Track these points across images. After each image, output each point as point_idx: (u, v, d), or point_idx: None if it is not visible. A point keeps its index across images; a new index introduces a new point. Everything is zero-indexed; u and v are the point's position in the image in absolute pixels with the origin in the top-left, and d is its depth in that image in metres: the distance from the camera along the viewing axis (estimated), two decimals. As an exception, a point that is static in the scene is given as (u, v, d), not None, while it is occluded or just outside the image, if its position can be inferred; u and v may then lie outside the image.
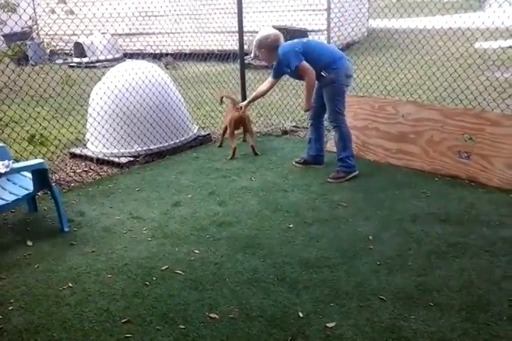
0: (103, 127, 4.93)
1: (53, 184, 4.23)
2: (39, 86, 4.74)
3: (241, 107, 4.88)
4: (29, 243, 3.26)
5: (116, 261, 3.01)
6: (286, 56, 4.03)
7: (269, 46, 4.14)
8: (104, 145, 5.01)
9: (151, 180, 4.48)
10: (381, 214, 3.56)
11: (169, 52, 12.79)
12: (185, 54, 11.81)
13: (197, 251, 3.09)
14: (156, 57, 12.99)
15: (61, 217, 3.43)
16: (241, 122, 4.94)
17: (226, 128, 5.10)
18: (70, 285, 2.74)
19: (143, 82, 4.99)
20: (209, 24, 11.63)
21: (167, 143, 5.20)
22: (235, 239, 3.26)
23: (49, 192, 3.53)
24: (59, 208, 3.41)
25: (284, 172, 4.49)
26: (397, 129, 4.54)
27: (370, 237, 3.21)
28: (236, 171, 4.59)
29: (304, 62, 3.97)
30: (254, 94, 4.65)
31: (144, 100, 4.97)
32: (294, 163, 4.70)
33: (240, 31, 5.64)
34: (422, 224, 3.38)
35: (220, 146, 5.28)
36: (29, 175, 3.42)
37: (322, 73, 4.02)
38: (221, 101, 5.35)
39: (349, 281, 2.73)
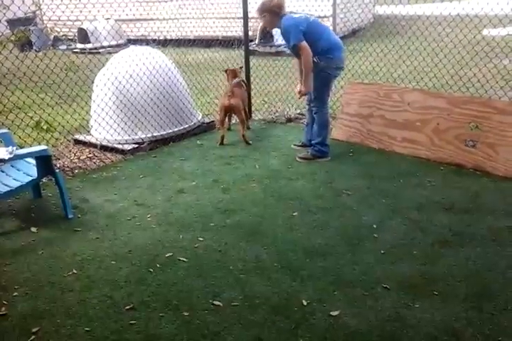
0: (107, 114, 4.91)
1: (57, 170, 4.25)
2: (43, 72, 4.71)
3: (232, 93, 4.83)
4: (33, 229, 3.27)
5: (120, 247, 3.01)
6: (289, 30, 3.98)
7: (271, 10, 4.06)
8: (108, 132, 4.99)
9: (155, 166, 4.47)
10: (386, 202, 3.55)
11: (173, 38, 12.69)
12: (190, 40, 11.73)
13: (201, 239, 3.09)
14: (160, 43, 12.91)
15: (65, 204, 3.43)
16: (231, 110, 4.88)
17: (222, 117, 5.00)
18: (74, 271, 2.75)
19: (147, 68, 4.94)
20: (213, 10, 11.49)
21: (171, 130, 5.17)
22: (239, 226, 3.25)
23: (53, 179, 3.51)
24: (63, 195, 3.40)
25: (288, 160, 4.46)
26: (403, 117, 4.50)
27: (375, 226, 3.20)
28: (240, 158, 4.57)
29: (304, 43, 3.93)
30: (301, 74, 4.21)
31: (148, 87, 4.94)
32: (293, 145, 4.78)
33: (245, 17, 5.56)
34: (427, 213, 3.36)
35: (221, 144, 4.97)
36: (33, 161, 3.40)
37: (314, 59, 3.99)
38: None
39: (353, 270, 2.72)
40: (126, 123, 4.95)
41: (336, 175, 4.09)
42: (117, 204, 3.65)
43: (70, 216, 3.44)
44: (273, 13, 4.07)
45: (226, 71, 5.24)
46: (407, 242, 3.00)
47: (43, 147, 3.26)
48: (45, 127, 4.21)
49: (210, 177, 4.13)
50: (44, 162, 3.29)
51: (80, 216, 3.48)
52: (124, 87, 4.87)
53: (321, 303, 2.42)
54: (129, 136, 5.02)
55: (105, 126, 4.95)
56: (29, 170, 3.40)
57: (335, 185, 3.88)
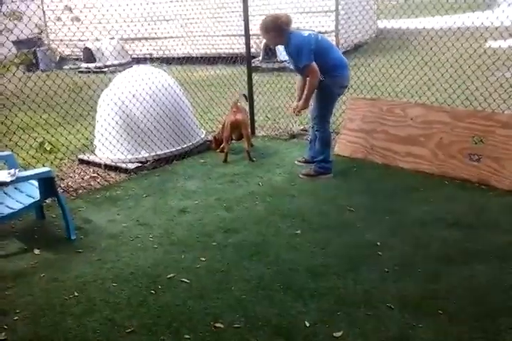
0: (110, 133, 4.94)
1: (60, 192, 4.26)
2: (45, 93, 4.77)
3: (237, 108, 4.85)
4: (36, 251, 3.27)
5: (122, 269, 3.00)
6: (300, 50, 3.92)
7: (279, 28, 3.98)
8: (111, 152, 5.02)
9: (158, 185, 4.47)
10: (389, 219, 3.51)
11: (177, 56, 12.83)
12: (194, 57, 11.85)
13: (203, 259, 3.07)
14: (164, 61, 13.05)
15: (68, 225, 3.43)
16: (237, 125, 4.90)
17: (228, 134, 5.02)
18: (76, 294, 2.74)
19: (149, 87, 4.99)
20: (217, 28, 11.63)
21: (174, 149, 5.19)
22: (242, 245, 3.23)
23: (56, 200, 3.52)
24: (66, 216, 3.41)
25: (291, 177, 4.45)
26: (406, 132, 4.49)
27: (378, 243, 3.17)
28: (243, 176, 4.57)
29: (314, 64, 3.92)
30: (304, 93, 4.18)
31: (151, 106, 4.97)
32: (296, 161, 4.78)
33: (247, 34, 5.62)
34: (431, 229, 3.33)
35: (225, 161, 4.98)
36: (36, 183, 3.42)
37: (320, 77, 3.98)
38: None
39: (356, 289, 2.69)
40: (129, 143, 4.98)
41: (339, 191, 4.07)
42: (120, 225, 3.65)
43: (73, 237, 3.44)
44: (280, 31, 4.01)
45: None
46: (411, 260, 2.96)
47: (46, 169, 3.28)
48: (48, 148, 4.24)
49: (213, 196, 4.13)
50: (47, 184, 3.30)
51: (82, 237, 3.48)
52: (126, 106, 4.92)
53: (324, 324, 2.39)
54: (133, 155, 5.04)
55: (109, 145, 4.99)
56: (32, 192, 3.41)
57: (338, 201, 3.86)
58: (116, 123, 4.96)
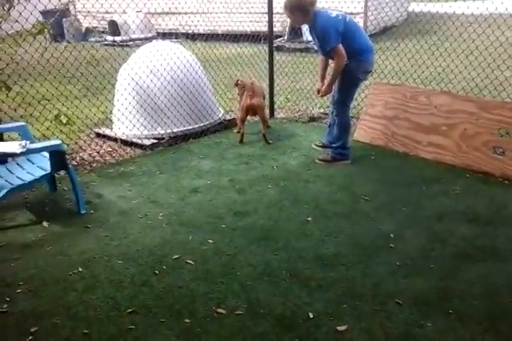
0: (126, 109, 4.88)
1: (74, 165, 4.25)
2: (71, 64, 4.70)
3: (252, 92, 4.69)
4: (45, 224, 3.25)
5: (128, 246, 2.96)
6: (327, 32, 3.75)
7: (304, 8, 3.78)
8: (127, 127, 4.97)
9: (173, 163, 4.41)
10: (406, 210, 3.40)
11: (202, 32, 12.64)
12: (218, 34, 11.65)
13: (211, 241, 3.02)
14: (188, 37, 12.89)
15: (78, 200, 3.40)
16: (253, 109, 4.78)
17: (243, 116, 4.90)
18: (80, 269, 2.71)
19: (167, 64, 4.88)
20: (242, 4, 11.38)
21: (191, 127, 5.12)
22: (251, 229, 3.16)
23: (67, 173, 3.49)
24: (76, 190, 3.38)
25: (307, 161, 4.35)
26: (430, 120, 4.33)
27: (392, 235, 3.07)
28: (258, 158, 4.48)
29: (341, 46, 3.75)
30: (328, 76, 4.07)
31: (169, 82, 4.88)
32: (313, 145, 4.66)
33: (270, 12, 5.44)
34: (448, 224, 3.21)
35: (241, 141, 4.90)
36: (48, 155, 3.38)
37: (345, 60, 3.82)
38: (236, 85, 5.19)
39: (365, 282, 2.60)
40: (145, 119, 4.91)
41: (355, 179, 3.96)
42: (130, 201, 3.61)
43: (83, 211, 3.41)
44: (305, 11, 3.82)
45: (237, 83, 5.13)
46: (425, 254, 2.86)
47: (56, 142, 3.24)
48: (64, 120, 4.18)
49: (226, 177, 4.06)
50: (58, 156, 3.26)
51: (92, 212, 3.45)
52: (144, 82, 4.83)
53: (328, 317, 2.32)
54: (149, 131, 4.99)
55: (125, 120, 4.93)
56: (43, 164, 3.38)
57: (353, 189, 3.75)
58: (133, 98, 4.89)
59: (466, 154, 4.07)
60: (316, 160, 4.32)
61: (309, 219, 3.29)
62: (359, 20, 10.55)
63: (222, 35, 10.71)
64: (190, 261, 2.79)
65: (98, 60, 4.92)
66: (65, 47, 4.34)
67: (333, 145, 4.30)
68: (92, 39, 13.56)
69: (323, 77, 4.19)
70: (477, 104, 4.07)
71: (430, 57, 5.34)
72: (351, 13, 10.27)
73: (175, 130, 5.03)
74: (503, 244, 2.95)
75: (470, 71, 5.13)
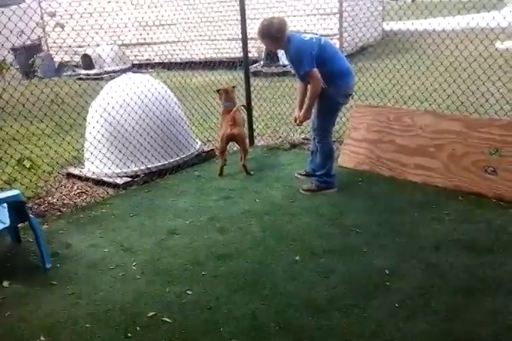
0: (97, 146, 4.63)
1: (34, 213, 3.94)
2: (43, 103, 4.45)
3: (233, 121, 4.45)
4: (5, 284, 2.93)
5: (97, 305, 2.66)
6: (300, 56, 3.61)
7: (272, 36, 3.68)
8: (98, 166, 4.70)
9: (148, 203, 4.14)
10: (399, 241, 3.16)
11: (178, 61, 12.55)
12: (195, 62, 11.56)
13: (190, 292, 2.73)
14: (165, 66, 12.77)
15: (42, 253, 3.10)
16: (234, 139, 4.57)
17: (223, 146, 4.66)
18: (42, 339, 2.40)
19: (138, 97, 4.66)
20: (217, 32, 11.34)
21: (167, 162, 4.86)
22: (234, 275, 2.89)
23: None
24: (40, 243, 3.09)
25: (291, 192, 4.11)
26: (415, 142, 4.14)
27: (387, 271, 2.81)
28: (239, 191, 4.23)
29: (315, 71, 3.58)
30: (305, 102, 3.90)
31: (140, 116, 4.65)
32: (296, 174, 4.45)
33: (244, 38, 5.30)
34: (446, 254, 2.97)
35: (220, 174, 4.65)
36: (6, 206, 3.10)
37: (322, 84, 3.64)
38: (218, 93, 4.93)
39: (362, 329, 2.34)
40: (117, 156, 4.65)
41: (343, 209, 3.72)
42: (101, 250, 3.32)
43: (48, 266, 3.11)
44: (275, 38, 3.70)
45: (218, 91, 4.91)
46: (425, 291, 2.61)
47: (14, 192, 2.96)
48: (28, 165, 3.91)
49: (206, 215, 3.79)
50: (17, 207, 2.98)
51: (59, 265, 3.15)
52: (114, 117, 4.60)
53: (325, 378, 2.04)
54: (121, 169, 4.72)
55: (97, 158, 4.67)
56: (2, 216, 3.09)
57: (342, 221, 3.51)
58: (104, 135, 4.64)
59: (456, 175, 3.87)
60: (301, 191, 4.09)
61: (297, 258, 3.03)
62: (336, 42, 10.54)
63: (199, 63, 10.65)
64: (167, 319, 2.49)
65: (62, 97, 4.67)
66: (26, 86, 4.08)
67: (317, 173, 4.07)
68: (66, 74, 13.39)
69: (301, 104, 4.00)
70: (464, 122, 3.89)
71: (412, 76, 5.19)
72: (327, 35, 10.29)
73: (149, 166, 4.77)
74: (508, 274, 2.72)
75: (454, 89, 4.97)
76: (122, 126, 4.59)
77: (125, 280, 2.91)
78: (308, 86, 3.72)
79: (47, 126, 4.88)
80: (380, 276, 2.77)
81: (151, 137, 4.71)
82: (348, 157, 4.57)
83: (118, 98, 4.64)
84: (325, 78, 3.62)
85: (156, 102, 4.75)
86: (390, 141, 4.29)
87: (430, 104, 4.92)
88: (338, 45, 10.50)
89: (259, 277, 2.85)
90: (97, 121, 4.66)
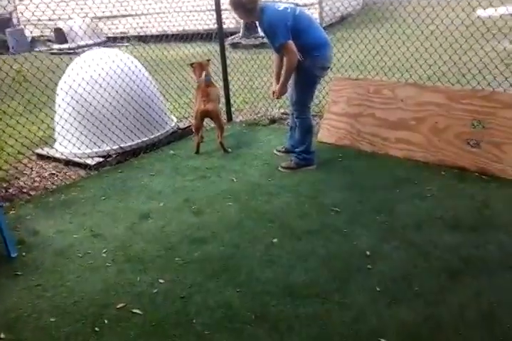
0: (71, 124, 4.39)
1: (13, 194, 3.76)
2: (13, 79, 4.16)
3: (207, 96, 4.25)
4: (-33, 275, 2.78)
5: (64, 297, 2.51)
6: (274, 27, 3.41)
7: (244, 6, 3.48)
8: (69, 146, 4.49)
9: (121, 184, 3.96)
10: (380, 220, 3.05)
11: (153, 33, 12.12)
12: (171, 35, 11.16)
13: (162, 281, 2.59)
14: (140, 39, 12.32)
15: (6, 242, 2.93)
16: (208, 115, 4.37)
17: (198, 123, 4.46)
18: (2, 336, 2.26)
19: (107, 72, 4.40)
20: (193, 2, 10.90)
21: (140, 140, 4.65)
22: (209, 260, 2.75)
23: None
24: (2, 231, 2.91)
25: (270, 170, 3.96)
26: (396, 115, 3.99)
27: (368, 252, 2.70)
28: (216, 170, 4.06)
29: (290, 43, 3.39)
30: (281, 76, 3.67)
31: (109, 93, 4.41)
32: (275, 151, 4.29)
33: (218, 9, 5.02)
34: (428, 233, 2.87)
35: (197, 152, 4.48)
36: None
37: (297, 56, 3.45)
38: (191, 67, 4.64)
39: (343, 317, 2.23)
40: (88, 136, 4.43)
41: (323, 186, 3.59)
42: (70, 237, 3.15)
43: (13, 254, 2.94)
44: (247, 9, 3.49)
45: (192, 65, 4.63)
46: (407, 273, 2.51)
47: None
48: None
49: (181, 196, 3.63)
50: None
51: (24, 254, 2.98)
52: (82, 94, 4.35)
53: (303, 371, 1.94)
54: (93, 149, 4.51)
55: (69, 138, 4.45)
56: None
57: (322, 199, 3.38)
58: (73, 113, 4.40)
59: (439, 149, 3.75)
60: (280, 168, 3.94)
61: (275, 240, 2.90)
62: (314, 12, 10.20)
63: (176, 35, 10.26)
64: (137, 311, 2.36)
65: (24, 75, 4.39)
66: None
67: (296, 149, 3.92)
68: (38, 49, 12.87)
69: (278, 77, 3.80)
70: (446, 94, 3.75)
71: (392, 46, 4.98)
72: (305, 5, 9.95)
73: (122, 145, 4.56)
74: (492, 253, 2.63)
75: (435, 59, 4.80)
76: (90, 104, 4.35)
77: (94, 268, 2.76)
78: (284, 59, 3.52)
79: (18, 103, 4.60)
80: (360, 258, 2.67)
81: (123, 115, 4.48)
82: (328, 132, 4.41)
83: (84, 74, 4.38)
84: (301, 50, 3.43)
85: (125, 78, 4.50)
86: (371, 114, 4.13)
87: (411, 75, 4.74)
88: (317, 15, 10.20)
89: (235, 262, 2.72)
90: (64, 99, 4.42)
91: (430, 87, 4.01)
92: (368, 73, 5.04)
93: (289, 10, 3.46)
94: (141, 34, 12.48)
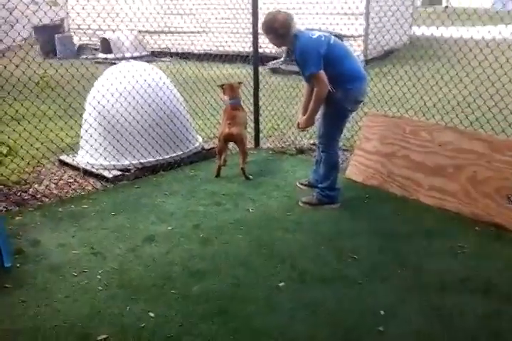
0: (91, 135, 4.31)
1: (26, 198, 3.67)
2: (57, 83, 4.10)
3: (232, 120, 4.07)
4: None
5: (45, 319, 2.32)
6: (306, 55, 3.25)
7: (275, 31, 3.35)
8: (92, 155, 4.39)
9: (134, 201, 3.81)
10: (402, 275, 2.76)
11: (195, 52, 12.22)
12: (213, 54, 11.21)
13: (152, 314, 2.38)
14: (182, 56, 12.45)
15: (1, 251, 2.78)
16: (231, 139, 4.20)
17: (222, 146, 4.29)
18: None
19: (137, 86, 4.33)
20: (238, 25, 10.95)
21: (161, 157, 4.52)
22: (206, 297, 2.52)
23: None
24: (0, 240, 2.76)
25: (290, 204, 3.73)
26: (432, 160, 3.72)
27: (382, 312, 2.42)
28: (233, 197, 3.86)
29: (321, 73, 3.22)
30: (309, 107, 3.45)
31: (135, 107, 4.32)
32: (297, 183, 4.07)
33: (255, 32, 4.90)
34: (454, 295, 2.57)
35: (217, 175, 4.31)
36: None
37: (329, 88, 3.26)
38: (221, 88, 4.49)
39: (344, 385, 1.96)
40: (109, 147, 4.33)
41: (343, 228, 3.33)
42: (70, 252, 2.99)
43: (7, 264, 2.79)
44: (279, 34, 3.36)
45: (222, 86, 4.50)
46: (424, 342, 2.22)
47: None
48: (4, 151, 3.60)
49: (191, 221, 3.44)
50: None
51: (19, 265, 2.83)
52: (111, 106, 4.27)
53: None
54: (113, 161, 4.40)
55: (90, 148, 4.37)
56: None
57: (340, 243, 3.12)
58: (99, 123, 4.33)
59: (476, 202, 3.45)
60: (300, 203, 3.71)
61: (281, 284, 2.65)
62: (360, 44, 10.07)
63: (217, 55, 10.29)
64: (117, 347, 2.15)
65: (47, 81, 4.36)
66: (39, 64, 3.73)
67: (320, 185, 3.69)
68: (84, 56, 13.17)
69: (305, 107, 3.61)
70: (488, 143, 3.47)
71: (434, 86, 4.75)
72: (352, 36, 9.83)
73: (143, 161, 4.43)
74: (525, 329, 2.31)
75: (480, 104, 4.51)
76: (113, 116, 4.28)
77: (85, 290, 2.57)
78: (314, 89, 3.34)
79: (49, 107, 4.55)
80: (373, 318, 2.39)
81: (146, 130, 4.37)
82: (356, 169, 4.17)
83: (116, 85, 4.31)
84: (332, 81, 3.25)
85: (154, 92, 4.40)
86: (404, 156, 3.88)
87: (452, 119, 4.47)
88: (362, 47, 10.06)
89: (234, 304, 2.48)
90: (93, 109, 4.35)
91: (471, 133, 3.74)
92: (405, 112, 4.79)
93: (323, 38, 3.31)
94: (184, 51, 12.65)
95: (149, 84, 4.37)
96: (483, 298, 2.54)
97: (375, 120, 4.17)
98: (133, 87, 4.31)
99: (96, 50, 13.45)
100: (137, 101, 4.29)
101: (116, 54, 12.25)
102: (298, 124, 3.62)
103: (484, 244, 3.12)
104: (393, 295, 2.56)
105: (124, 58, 11.75)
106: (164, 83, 4.56)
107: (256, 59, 5.01)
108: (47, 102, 4.58)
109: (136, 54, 12.45)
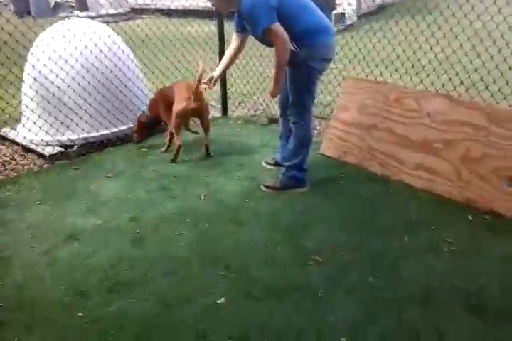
0: (31, 106, 3.72)
1: None
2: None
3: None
4: None
5: None
6: (255, 9, 2.58)
7: None
8: (30, 130, 3.81)
9: (67, 187, 3.24)
10: (373, 283, 2.21)
11: (178, 8, 11.34)
12: (195, 10, 10.40)
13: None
14: (165, 13, 11.59)
15: None
16: (198, 113, 3.54)
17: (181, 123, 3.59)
18: None
19: (82, 46, 3.66)
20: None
21: (109, 131, 3.92)
22: (120, 323, 1.98)
23: None
24: None
25: (250, 188, 3.15)
26: (419, 134, 3.11)
27: (343, 339, 1.89)
28: (184, 181, 3.28)
29: (277, 25, 2.57)
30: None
31: (78, 73, 3.67)
32: (263, 162, 3.50)
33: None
34: (437, 312, 2.03)
35: (173, 161, 3.57)
36: None
37: (291, 45, 2.62)
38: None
39: None
40: (49, 120, 3.75)
41: (309, 220, 2.76)
42: (-30, 257, 2.44)
43: None
44: None
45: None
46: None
47: None
48: None
49: (128, 212, 2.87)
50: None
51: None
52: (49, 70, 3.63)
53: None
54: (54, 136, 3.82)
55: (29, 121, 3.79)
56: None
57: (302, 240, 2.56)
58: (37, 92, 3.72)
59: (468, 184, 2.87)
60: (262, 187, 3.13)
61: (221, 301, 2.11)
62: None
63: (201, 10, 9.47)
64: None
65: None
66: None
67: (287, 163, 3.09)
68: (61, 15, 12.27)
69: (228, 62, 3.12)
70: (486, 113, 2.84)
71: (430, 38, 4.00)
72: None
73: (88, 135, 3.83)
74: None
75: (478, 67, 3.80)
76: (52, 83, 3.63)
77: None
78: (274, 49, 2.69)
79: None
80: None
81: (94, 99, 3.75)
82: (331, 143, 3.56)
83: (55, 48, 3.66)
84: (293, 39, 2.61)
85: (102, 56, 3.74)
86: (387, 128, 3.26)
87: (443, 85, 3.79)
88: (354, 2, 9.18)
89: (155, 332, 1.94)
90: (29, 77, 3.72)
91: (466, 102, 3.10)
92: (392, 73, 4.10)
93: None
94: (164, 7, 11.78)
95: (95, 44, 3.70)
96: (473, 314, 2.00)
97: (354, 85, 3.51)
98: (75, 49, 3.64)
99: (73, 7, 12.55)
100: (81, 65, 3.64)
101: (92, 12, 11.40)
102: (270, 93, 2.97)
103: (478, 237, 2.55)
104: (361, 311, 2.02)
105: (100, 16, 10.91)
106: (115, 43, 3.89)
107: (220, 15, 4.28)
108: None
109: (113, 11, 11.61)
